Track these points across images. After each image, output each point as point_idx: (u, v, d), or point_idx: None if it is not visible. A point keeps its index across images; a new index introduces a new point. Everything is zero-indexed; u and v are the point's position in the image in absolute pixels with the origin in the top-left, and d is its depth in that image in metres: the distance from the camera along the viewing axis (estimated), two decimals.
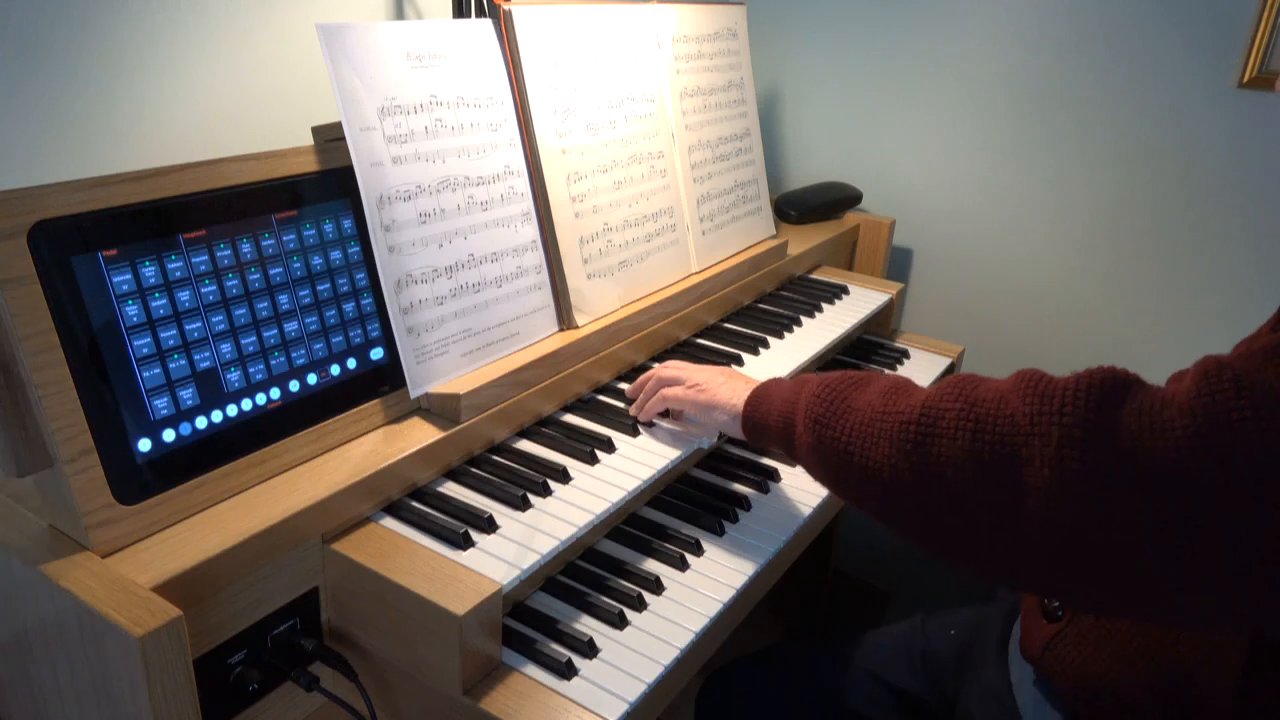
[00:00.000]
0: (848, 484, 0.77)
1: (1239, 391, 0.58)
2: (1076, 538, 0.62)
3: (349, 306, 0.93)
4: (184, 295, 0.80)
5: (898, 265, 1.79)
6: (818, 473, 0.82)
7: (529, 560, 0.84)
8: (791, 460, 0.88)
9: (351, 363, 0.93)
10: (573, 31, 1.15)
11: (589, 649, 0.84)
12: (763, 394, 0.93)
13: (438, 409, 0.97)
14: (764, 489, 1.10)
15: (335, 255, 0.92)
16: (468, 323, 1.01)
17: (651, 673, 0.82)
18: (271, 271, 0.86)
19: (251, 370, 0.85)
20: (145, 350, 0.77)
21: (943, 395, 0.70)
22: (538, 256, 1.10)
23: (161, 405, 0.78)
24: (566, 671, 0.81)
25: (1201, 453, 0.57)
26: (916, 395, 0.73)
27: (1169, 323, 1.54)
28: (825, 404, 0.80)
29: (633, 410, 1.08)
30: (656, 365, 1.10)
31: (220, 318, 0.82)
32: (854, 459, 0.75)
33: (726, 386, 0.99)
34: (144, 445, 0.77)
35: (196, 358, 0.81)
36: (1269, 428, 0.56)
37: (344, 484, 0.84)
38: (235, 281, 0.83)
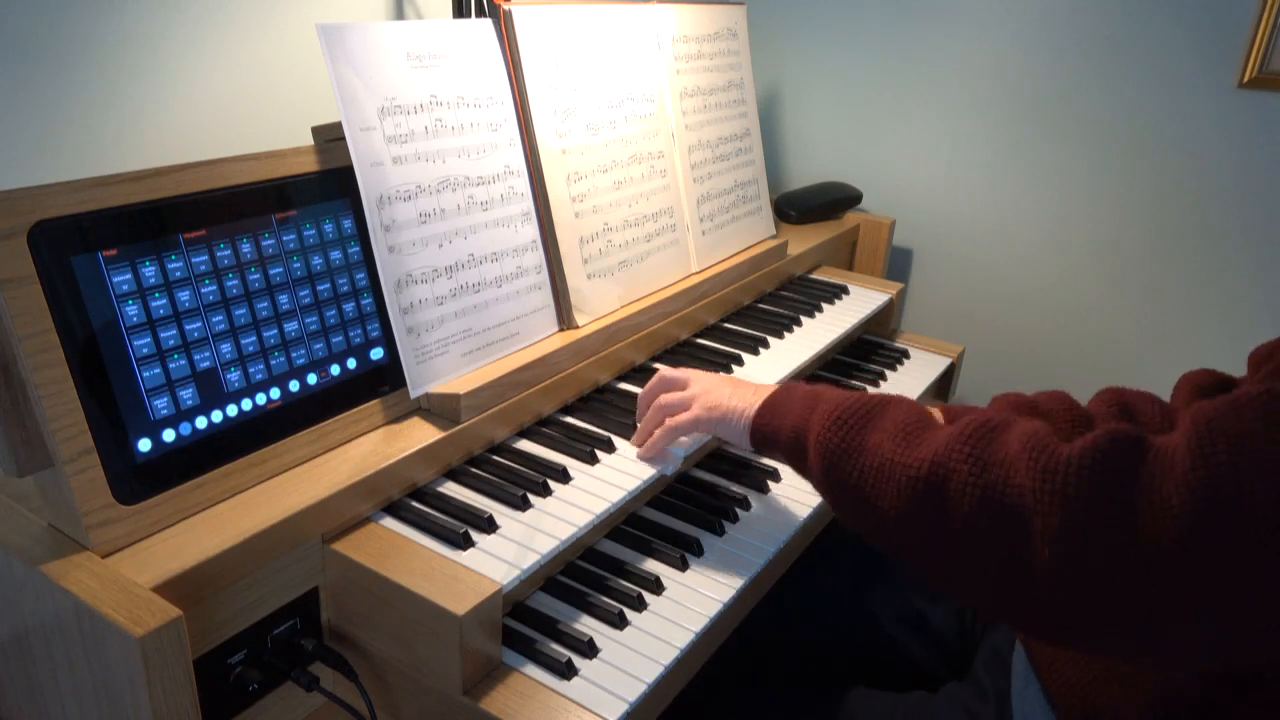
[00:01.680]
0: (855, 518, 0.77)
1: (1234, 464, 0.57)
2: (1081, 605, 0.62)
3: (349, 306, 0.93)
4: (184, 295, 0.80)
5: (898, 265, 1.79)
6: (825, 497, 0.82)
7: (529, 560, 0.84)
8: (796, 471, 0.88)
9: (351, 363, 0.93)
10: (573, 31, 1.15)
11: (589, 649, 0.84)
12: (774, 406, 0.90)
13: (438, 409, 0.97)
14: (764, 489, 1.10)
15: (335, 255, 0.92)
16: (468, 323, 1.01)
17: (652, 673, 0.82)
18: (271, 271, 0.86)
19: (251, 370, 0.85)
20: (145, 350, 0.77)
21: (953, 451, 0.68)
22: (538, 256, 1.10)
23: (161, 405, 0.78)
24: (566, 671, 0.81)
25: (1200, 530, 0.57)
26: (929, 443, 0.71)
27: (1169, 322, 1.54)
28: (839, 435, 0.78)
29: (635, 444, 1.03)
30: (656, 373, 1.05)
31: (220, 318, 0.82)
32: (862, 497, 0.74)
33: (735, 396, 0.95)
34: (144, 445, 0.77)
35: (196, 358, 0.81)
36: (1265, 500, 0.55)
37: (344, 484, 0.84)
38: (235, 281, 0.83)
